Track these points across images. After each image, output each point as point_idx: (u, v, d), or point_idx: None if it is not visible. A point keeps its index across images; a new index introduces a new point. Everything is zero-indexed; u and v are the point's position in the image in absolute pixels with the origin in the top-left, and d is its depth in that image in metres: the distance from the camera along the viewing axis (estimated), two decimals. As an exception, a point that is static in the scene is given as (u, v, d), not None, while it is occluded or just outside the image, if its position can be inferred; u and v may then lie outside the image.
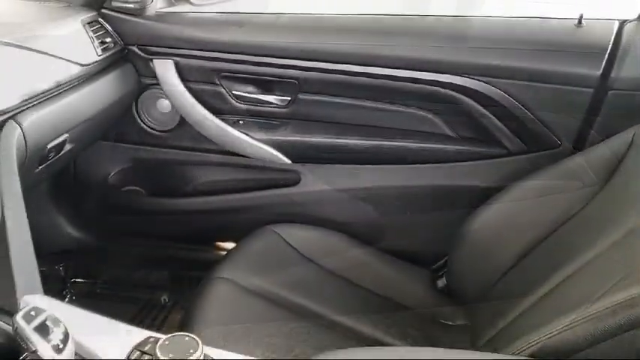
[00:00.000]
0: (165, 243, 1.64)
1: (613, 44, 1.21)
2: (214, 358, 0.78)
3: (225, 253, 1.36)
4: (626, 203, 0.99)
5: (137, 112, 1.48)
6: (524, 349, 0.79)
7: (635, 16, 1.24)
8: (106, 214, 1.63)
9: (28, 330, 0.66)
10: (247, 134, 1.42)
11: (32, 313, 0.67)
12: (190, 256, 1.63)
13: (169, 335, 0.77)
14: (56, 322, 0.68)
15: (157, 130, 1.50)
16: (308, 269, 1.27)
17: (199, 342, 0.76)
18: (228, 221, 1.55)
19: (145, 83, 1.44)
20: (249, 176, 1.52)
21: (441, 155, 1.38)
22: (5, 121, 0.90)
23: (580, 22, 1.23)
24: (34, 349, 0.66)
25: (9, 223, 0.87)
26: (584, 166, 1.13)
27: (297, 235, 1.33)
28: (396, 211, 1.43)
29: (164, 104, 1.47)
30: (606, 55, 1.20)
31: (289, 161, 1.44)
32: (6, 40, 1.00)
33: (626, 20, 1.25)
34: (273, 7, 1.51)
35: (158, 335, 0.80)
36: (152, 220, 1.61)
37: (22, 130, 0.93)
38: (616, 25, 1.24)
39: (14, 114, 0.93)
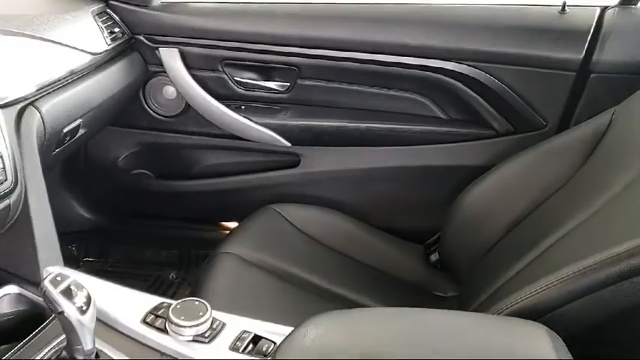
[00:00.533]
0: (172, 223, 1.71)
1: (594, 29, 1.27)
2: (221, 320, 0.86)
3: (229, 231, 1.44)
4: (607, 175, 1.05)
5: (144, 98, 1.55)
6: (504, 310, 0.86)
7: (616, 2, 1.30)
8: (116, 196, 1.70)
9: (55, 293, 0.72)
10: (249, 118, 1.48)
11: (58, 278, 0.74)
12: (196, 235, 1.70)
13: (180, 300, 0.85)
14: (79, 287, 0.74)
15: (163, 116, 1.57)
16: (307, 245, 1.35)
17: (208, 306, 0.84)
18: (231, 201, 1.62)
19: (152, 71, 1.50)
20: (251, 159, 1.59)
21: (434, 137, 1.44)
22: (25, 107, 0.97)
23: (563, 8, 1.29)
24: (60, 310, 0.72)
25: (32, 202, 0.95)
26: (568, 145, 1.20)
27: (297, 213, 1.40)
28: (391, 190, 1.50)
29: (170, 91, 1.53)
30: (587, 40, 1.26)
31: (289, 144, 1.50)
32: (23, 32, 1.06)
33: (607, 7, 1.30)
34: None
35: (170, 301, 0.87)
36: (160, 201, 1.68)
37: (40, 116, 0.99)
38: (597, 11, 1.29)
39: (33, 100, 1.00)
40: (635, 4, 1.28)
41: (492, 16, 1.37)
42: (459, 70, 1.35)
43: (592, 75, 1.28)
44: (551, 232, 1.03)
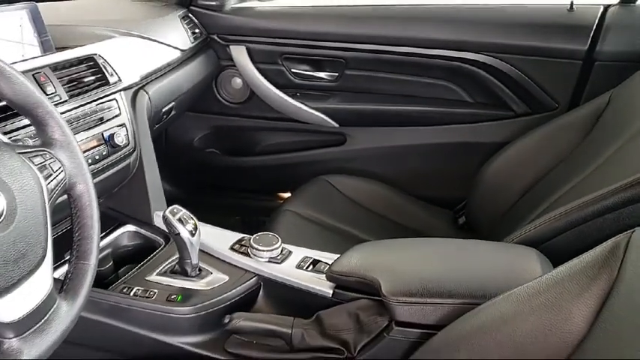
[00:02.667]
0: (237, 194, 1.97)
1: (597, 24, 1.45)
2: (288, 249, 1.11)
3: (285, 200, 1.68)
4: (603, 144, 1.23)
5: (216, 88, 1.81)
6: (508, 242, 1.07)
7: (617, 1, 1.48)
8: (191, 171, 1.97)
9: (174, 220, 0.98)
10: (303, 103, 1.72)
11: (174, 210, 1.00)
12: (257, 204, 1.95)
13: (258, 234, 1.11)
14: (190, 217, 1.01)
15: (231, 102, 1.83)
16: (351, 207, 1.57)
17: (279, 238, 1.10)
18: (287, 175, 1.86)
19: (223, 65, 1.76)
20: (304, 138, 1.83)
21: (461, 117, 1.65)
22: (138, 90, 1.24)
23: (571, 7, 1.48)
24: (177, 232, 0.99)
25: (145, 162, 1.22)
26: (572, 122, 1.39)
27: (343, 182, 1.62)
28: (424, 163, 1.71)
29: (237, 81, 1.79)
30: (591, 33, 1.45)
31: (337, 125, 1.74)
32: (132, 32, 1.33)
33: (610, 5, 1.49)
34: (324, 1, 1.81)
35: (249, 236, 1.13)
36: (227, 175, 1.94)
37: (148, 97, 1.26)
38: (601, 9, 1.48)
39: (143, 85, 1.26)
40: (633, 2, 1.46)
41: (510, 13, 1.57)
42: (482, 60, 1.55)
43: (596, 63, 1.46)
44: (556, 191, 1.23)
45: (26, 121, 0.89)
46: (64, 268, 0.75)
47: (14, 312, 0.62)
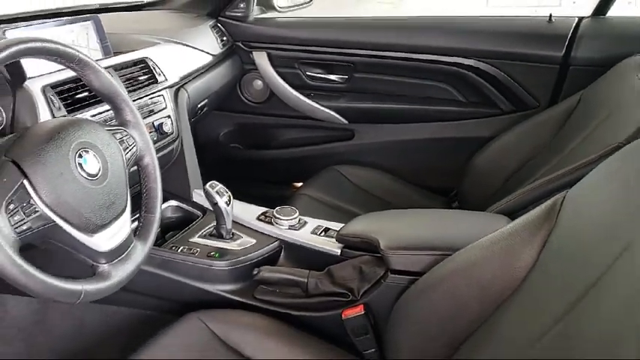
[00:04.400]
0: (256, 183, 2.16)
1: (572, 34, 1.65)
2: (304, 219, 1.32)
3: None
4: (574, 134, 1.42)
5: (240, 89, 2.03)
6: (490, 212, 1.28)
7: (590, 14, 1.68)
8: (215, 163, 2.19)
9: (213, 192, 1.20)
10: (317, 102, 1.93)
11: (213, 185, 1.21)
12: (274, 193, 2.14)
13: (279, 207, 1.32)
14: (225, 190, 1.22)
15: (253, 102, 2.04)
16: (358, 193, 1.78)
17: (296, 210, 1.30)
18: (301, 166, 2.05)
19: (246, 69, 1.98)
20: (317, 133, 2.03)
21: (455, 115, 1.85)
22: (179, 88, 1.46)
23: (550, 19, 1.69)
24: (215, 201, 1.20)
25: (185, 149, 1.43)
26: (547, 119, 1.59)
27: (352, 172, 1.84)
28: (423, 155, 1.91)
29: (258, 83, 2.01)
30: (567, 41, 1.65)
31: (346, 121, 1.95)
32: (172, 39, 1.55)
33: (583, 17, 1.69)
34: (335, 12, 2.03)
35: (271, 210, 1.34)
36: (247, 166, 2.15)
37: (187, 94, 1.48)
38: (576, 20, 1.68)
39: (183, 84, 1.48)
40: (603, 15, 1.66)
41: (498, 24, 1.77)
42: (473, 65, 1.76)
43: (571, 67, 1.66)
44: (533, 175, 1.42)
45: (105, 107, 1.10)
46: (134, 224, 0.95)
47: (106, 245, 0.83)
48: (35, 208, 0.73)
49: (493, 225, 1.11)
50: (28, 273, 0.70)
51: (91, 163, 0.82)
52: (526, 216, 0.91)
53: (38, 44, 0.80)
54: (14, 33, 1.08)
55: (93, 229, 0.81)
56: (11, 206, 0.71)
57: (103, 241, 0.83)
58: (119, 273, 0.85)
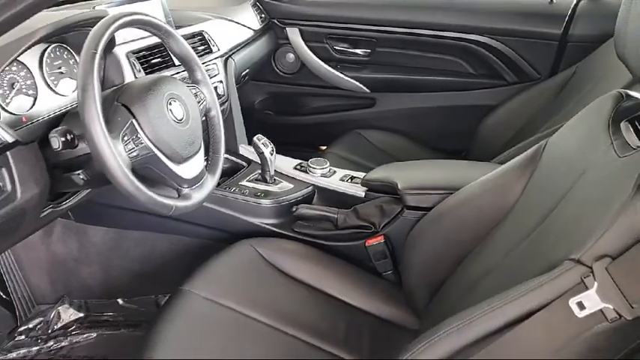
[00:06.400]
0: (287, 146, 2.38)
1: (570, 14, 1.82)
2: (333, 169, 1.53)
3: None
4: (568, 100, 1.62)
5: (274, 61, 2.23)
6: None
7: (587, -4, 1.86)
8: (251, 128, 2.40)
9: (259, 143, 1.42)
10: (342, 73, 2.14)
11: (259, 137, 1.43)
12: (304, 156, 2.36)
13: (312, 159, 1.53)
14: (269, 142, 1.44)
15: (285, 73, 2.25)
16: (379, 153, 1.99)
17: (327, 161, 1.52)
18: (328, 131, 2.24)
19: (280, 43, 2.18)
20: (342, 102, 2.24)
21: (465, 85, 2.04)
22: (228, 57, 1.67)
23: (551, 0, 1.87)
24: (261, 151, 1.42)
25: (233, 110, 1.66)
26: (545, 89, 1.79)
27: (373, 135, 2.06)
28: (437, 121, 2.11)
29: (291, 56, 2.21)
30: (565, 20, 1.83)
31: (368, 91, 2.15)
32: (221, 16, 1.77)
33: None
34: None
35: (306, 161, 1.56)
36: (279, 131, 2.35)
37: (234, 63, 1.70)
38: (574, 1, 1.85)
39: (231, 54, 1.70)
40: (599, -2, 1.84)
41: (505, 4, 1.94)
42: (482, 41, 1.94)
43: (569, 43, 1.84)
44: (533, 135, 1.62)
45: (172, 70, 1.33)
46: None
47: (188, 173, 1.06)
48: (141, 140, 0.96)
49: (490, 170, 1.32)
50: (138, 187, 0.93)
51: (178, 110, 1.04)
52: (516, 159, 1.12)
53: (137, 17, 1.02)
54: (110, 10, 1.30)
55: (179, 160, 1.04)
56: (125, 138, 0.94)
57: (186, 170, 1.06)
58: (197, 195, 1.08)
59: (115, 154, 0.89)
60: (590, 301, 0.65)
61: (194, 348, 1.02)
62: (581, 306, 0.66)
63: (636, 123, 0.85)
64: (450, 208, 1.19)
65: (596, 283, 0.66)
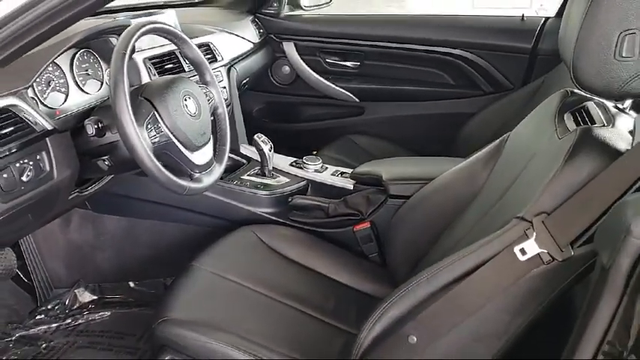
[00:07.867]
0: (283, 151, 2.53)
1: (539, 30, 2.01)
2: (325, 164, 1.69)
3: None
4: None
5: (271, 73, 2.39)
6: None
7: (553, 15, 2.05)
8: (251, 134, 2.56)
9: (259, 141, 1.58)
10: (334, 83, 2.30)
11: (259, 136, 1.59)
12: (298, 157, 2.52)
13: (306, 156, 1.69)
14: (268, 140, 1.61)
15: (281, 84, 2.41)
16: (367, 156, 2.15)
17: (320, 159, 1.68)
18: (320, 136, 2.37)
19: (277, 56, 2.34)
20: (333, 110, 2.39)
21: (446, 95, 2.21)
22: (230, 66, 1.84)
23: (523, 18, 2.05)
24: (261, 148, 1.58)
25: (235, 112, 1.82)
26: (516, 98, 1.96)
27: (361, 140, 2.21)
28: (420, 128, 2.25)
29: (286, 68, 2.37)
30: (535, 36, 2.01)
31: (358, 100, 2.31)
32: (224, 29, 1.94)
33: (549, 17, 2.05)
34: (350, 11, 2.39)
35: (301, 158, 1.71)
36: (275, 138, 2.52)
37: (236, 72, 1.86)
38: (542, 19, 2.04)
39: (233, 64, 1.87)
40: (564, 15, 2.02)
41: (481, 21, 2.14)
42: (461, 54, 2.11)
43: (538, 57, 2.02)
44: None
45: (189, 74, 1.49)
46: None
47: (200, 160, 1.22)
48: (161, 128, 1.12)
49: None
50: (159, 168, 1.09)
51: (192, 105, 1.20)
52: (483, 150, 1.28)
53: (159, 25, 1.19)
54: (132, 21, 1.45)
55: (192, 148, 1.19)
56: (148, 126, 1.10)
57: (198, 157, 1.21)
58: (207, 179, 1.23)
59: (140, 139, 1.05)
60: (530, 247, 0.81)
61: (202, 309, 1.16)
62: (523, 252, 0.82)
63: (576, 113, 1.02)
64: (426, 194, 1.35)
65: (534, 233, 0.82)
